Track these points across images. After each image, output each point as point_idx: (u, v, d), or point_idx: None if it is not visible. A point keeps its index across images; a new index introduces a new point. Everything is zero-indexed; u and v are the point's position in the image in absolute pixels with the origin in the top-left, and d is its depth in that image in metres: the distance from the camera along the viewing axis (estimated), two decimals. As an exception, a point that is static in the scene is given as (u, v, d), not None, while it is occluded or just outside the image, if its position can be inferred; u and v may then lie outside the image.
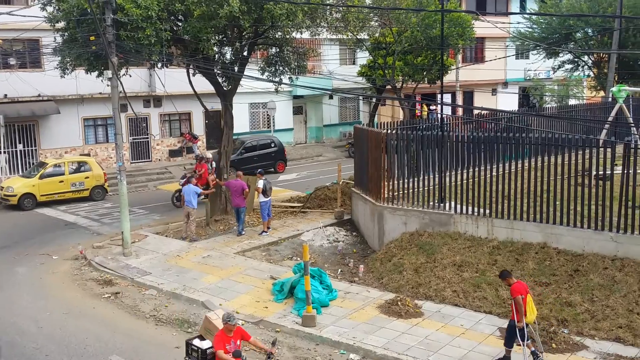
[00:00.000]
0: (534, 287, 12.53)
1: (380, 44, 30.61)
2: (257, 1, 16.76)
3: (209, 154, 23.30)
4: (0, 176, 25.57)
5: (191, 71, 20.16)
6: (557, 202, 13.89)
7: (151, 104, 30.76)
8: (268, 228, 18.36)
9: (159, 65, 19.15)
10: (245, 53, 19.64)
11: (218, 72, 19.43)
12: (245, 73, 19.28)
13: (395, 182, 16.45)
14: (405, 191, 16.30)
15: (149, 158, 31.11)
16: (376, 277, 14.65)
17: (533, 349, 10.22)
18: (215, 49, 18.60)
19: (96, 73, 18.52)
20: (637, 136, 17.28)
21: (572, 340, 11.00)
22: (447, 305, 12.73)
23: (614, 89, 19.72)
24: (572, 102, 36.52)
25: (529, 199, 14.31)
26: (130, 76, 20.23)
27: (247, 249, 16.98)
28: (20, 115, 26.43)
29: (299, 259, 15.55)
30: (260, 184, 18.14)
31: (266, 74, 20.33)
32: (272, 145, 30.41)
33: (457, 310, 12.49)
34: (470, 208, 15.11)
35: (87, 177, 24.18)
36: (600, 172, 13.89)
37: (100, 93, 26.64)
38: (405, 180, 16.35)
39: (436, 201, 15.87)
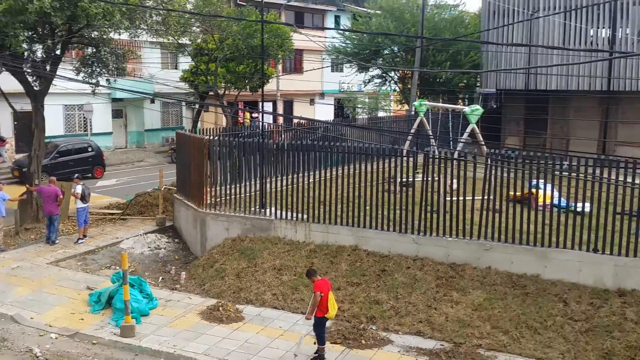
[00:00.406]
0: (346, 287, 13.42)
1: (203, 50, 30.64)
2: (71, -2, 16.04)
3: None
4: None
5: (-3, 69, 18.62)
6: (367, 207, 14.98)
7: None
8: (84, 236, 17.52)
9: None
10: (58, 52, 18.57)
11: (28, 70, 18.19)
12: (58, 73, 18.19)
13: (218, 188, 16.64)
14: (228, 197, 16.56)
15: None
16: (198, 283, 14.69)
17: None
18: (24, 45, 17.40)
19: None
20: (435, 147, 19.04)
21: (379, 336, 11.79)
22: (267, 308, 13.13)
23: (416, 103, 21.14)
24: (381, 114, 39.28)
25: (343, 204, 15.29)
26: None
27: (61, 258, 16.08)
28: None
29: (117, 267, 15.08)
30: (79, 189, 17.29)
31: (82, 74, 19.43)
32: (89, 149, 28.94)
33: (277, 313, 12.93)
34: (289, 213, 15.77)
35: None
36: (404, 179, 15.33)
37: None
38: (228, 187, 16.61)
39: (257, 207, 16.32)
